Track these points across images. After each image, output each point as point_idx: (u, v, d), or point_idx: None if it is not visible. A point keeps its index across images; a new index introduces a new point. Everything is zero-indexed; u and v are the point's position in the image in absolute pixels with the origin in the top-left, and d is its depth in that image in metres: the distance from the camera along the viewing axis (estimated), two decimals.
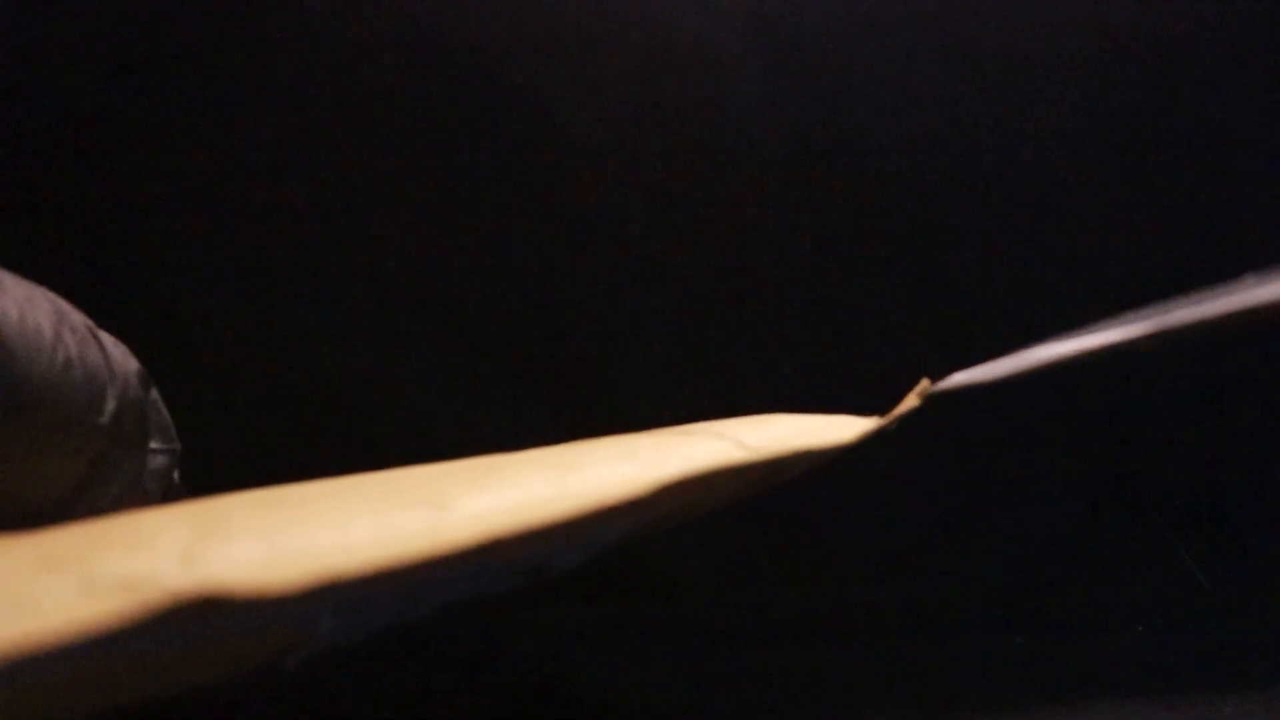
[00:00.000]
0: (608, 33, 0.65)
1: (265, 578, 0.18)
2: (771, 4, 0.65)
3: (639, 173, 0.65)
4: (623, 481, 0.24)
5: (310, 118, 0.64)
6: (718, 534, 0.63)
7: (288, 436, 0.62)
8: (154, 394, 0.41)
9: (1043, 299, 0.66)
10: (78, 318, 0.38)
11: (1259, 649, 0.51)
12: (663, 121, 0.66)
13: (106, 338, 0.40)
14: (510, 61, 0.65)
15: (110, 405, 0.37)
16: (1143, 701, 0.43)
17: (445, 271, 0.65)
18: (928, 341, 0.66)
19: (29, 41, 0.61)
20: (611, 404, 0.64)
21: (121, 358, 0.40)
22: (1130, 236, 0.67)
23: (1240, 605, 0.59)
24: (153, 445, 0.40)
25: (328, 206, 0.64)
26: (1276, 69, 0.67)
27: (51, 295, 0.38)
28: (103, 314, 0.41)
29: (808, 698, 0.46)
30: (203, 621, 0.17)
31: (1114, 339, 0.26)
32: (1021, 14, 0.66)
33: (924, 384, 0.33)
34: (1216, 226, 0.68)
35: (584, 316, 0.66)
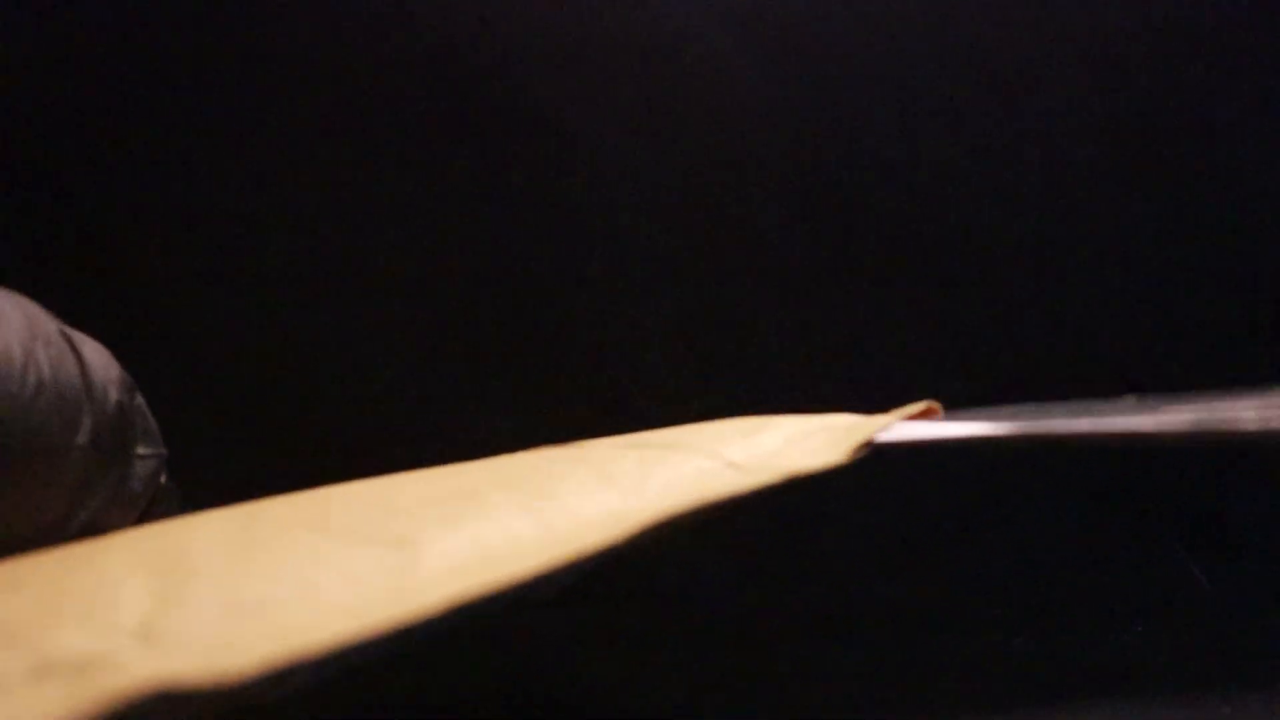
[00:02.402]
0: (608, 34, 0.65)
1: (225, 661, 0.17)
2: (772, 5, 0.65)
3: (639, 173, 0.65)
4: (604, 517, 0.23)
5: (304, 116, 0.64)
6: (717, 534, 0.63)
7: (279, 434, 0.62)
8: (138, 399, 0.40)
9: (1042, 298, 0.66)
10: (52, 326, 0.37)
11: (1259, 649, 0.51)
12: (663, 122, 0.66)
13: (87, 344, 0.39)
14: (510, 62, 0.65)
15: (87, 423, 0.36)
16: (1143, 701, 0.43)
17: (443, 271, 0.65)
18: (927, 342, 0.66)
19: (15, 40, 0.61)
20: (611, 404, 0.64)
21: (102, 365, 0.38)
22: (1130, 236, 0.67)
23: (1240, 605, 0.59)
24: (138, 451, 0.39)
25: (323, 206, 0.64)
26: (1277, 69, 0.67)
27: (24, 302, 0.37)
28: (88, 313, 0.40)
29: (808, 698, 0.46)
30: (158, 710, 0.16)
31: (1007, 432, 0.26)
32: (1022, 15, 0.66)
33: (931, 405, 0.32)
34: (1217, 227, 0.68)
35: (582, 316, 0.66)
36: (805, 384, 0.66)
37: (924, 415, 0.32)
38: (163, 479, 0.41)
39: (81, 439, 0.36)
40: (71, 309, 0.41)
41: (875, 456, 0.31)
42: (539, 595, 0.25)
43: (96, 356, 0.38)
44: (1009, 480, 0.66)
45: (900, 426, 0.29)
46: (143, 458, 0.39)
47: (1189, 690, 0.44)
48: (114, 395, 0.38)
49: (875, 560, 0.65)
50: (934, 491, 0.66)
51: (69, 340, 0.37)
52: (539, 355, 0.65)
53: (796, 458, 0.28)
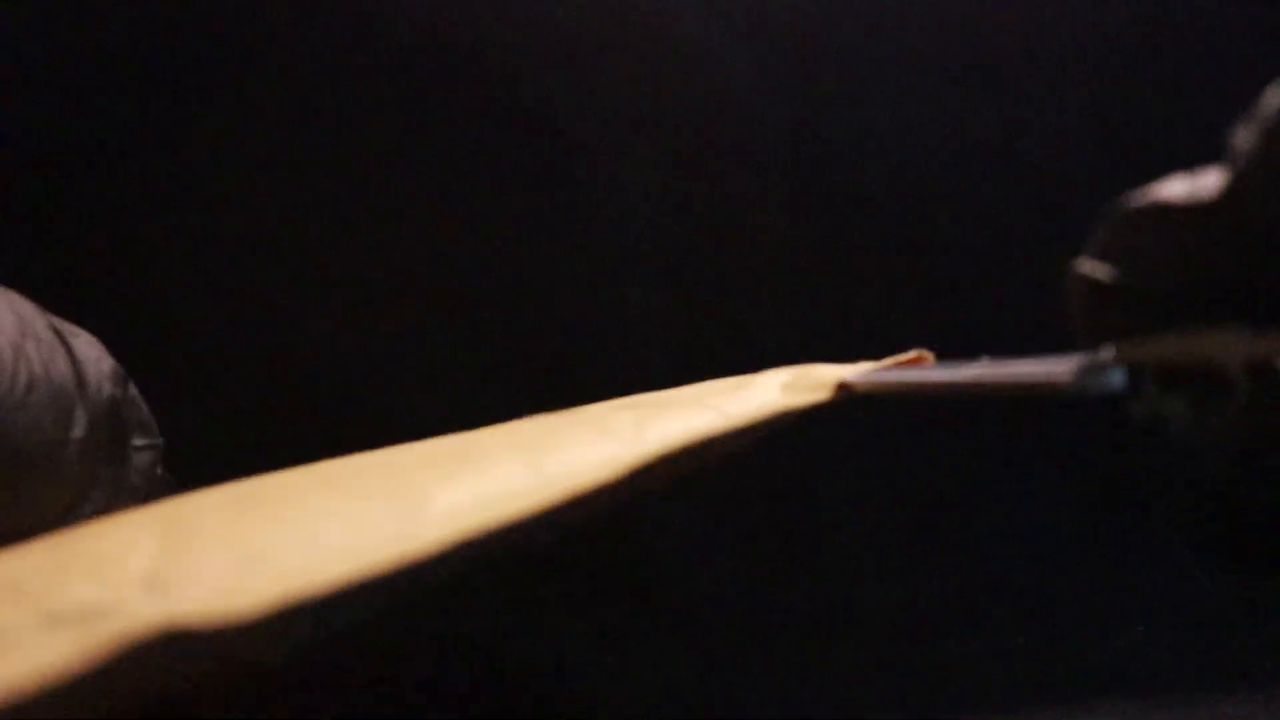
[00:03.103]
0: (609, 34, 0.65)
1: (231, 604, 0.17)
2: (772, 5, 0.65)
3: (639, 173, 0.65)
4: (600, 464, 0.23)
5: (304, 112, 0.64)
6: (717, 534, 0.63)
7: (276, 427, 0.62)
8: (132, 390, 0.40)
9: (1041, 297, 0.66)
10: (41, 322, 0.37)
11: (1259, 649, 0.51)
12: (663, 123, 0.66)
13: (79, 336, 0.39)
14: (510, 61, 0.65)
15: (81, 417, 0.36)
16: (1143, 701, 0.43)
17: (442, 268, 0.65)
18: (925, 339, 0.66)
19: (13, 37, 0.61)
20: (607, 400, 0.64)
21: (94, 358, 0.38)
22: None
23: (1240, 605, 0.58)
24: (135, 443, 0.39)
25: (323, 202, 0.64)
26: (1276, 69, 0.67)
27: (14, 298, 0.37)
28: (87, 306, 0.40)
29: (808, 698, 0.46)
30: (168, 653, 0.17)
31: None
32: (1022, 14, 0.66)
33: (922, 353, 0.33)
34: None
35: (581, 314, 0.66)
36: None
37: (914, 362, 0.33)
38: (159, 470, 0.41)
39: (77, 433, 0.36)
40: (70, 301, 0.41)
41: (869, 412, 0.31)
42: (538, 539, 0.25)
43: (88, 349, 0.38)
44: (1009, 479, 0.66)
45: (867, 374, 0.31)
46: (139, 448, 0.39)
47: (1189, 690, 0.44)
48: (107, 388, 0.38)
49: (875, 560, 0.65)
50: (935, 491, 0.66)
51: (59, 335, 0.37)
52: (536, 353, 0.65)
53: (784, 399, 0.29)
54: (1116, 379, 0.21)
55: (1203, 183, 0.19)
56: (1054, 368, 0.22)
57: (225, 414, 0.61)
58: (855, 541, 0.66)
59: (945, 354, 0.35)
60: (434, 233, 0.65)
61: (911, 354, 0.32)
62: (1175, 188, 0.20)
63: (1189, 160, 0.71)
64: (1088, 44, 0.67)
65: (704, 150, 0.66)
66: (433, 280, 0.65)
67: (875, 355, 0.67)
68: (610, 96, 0.65)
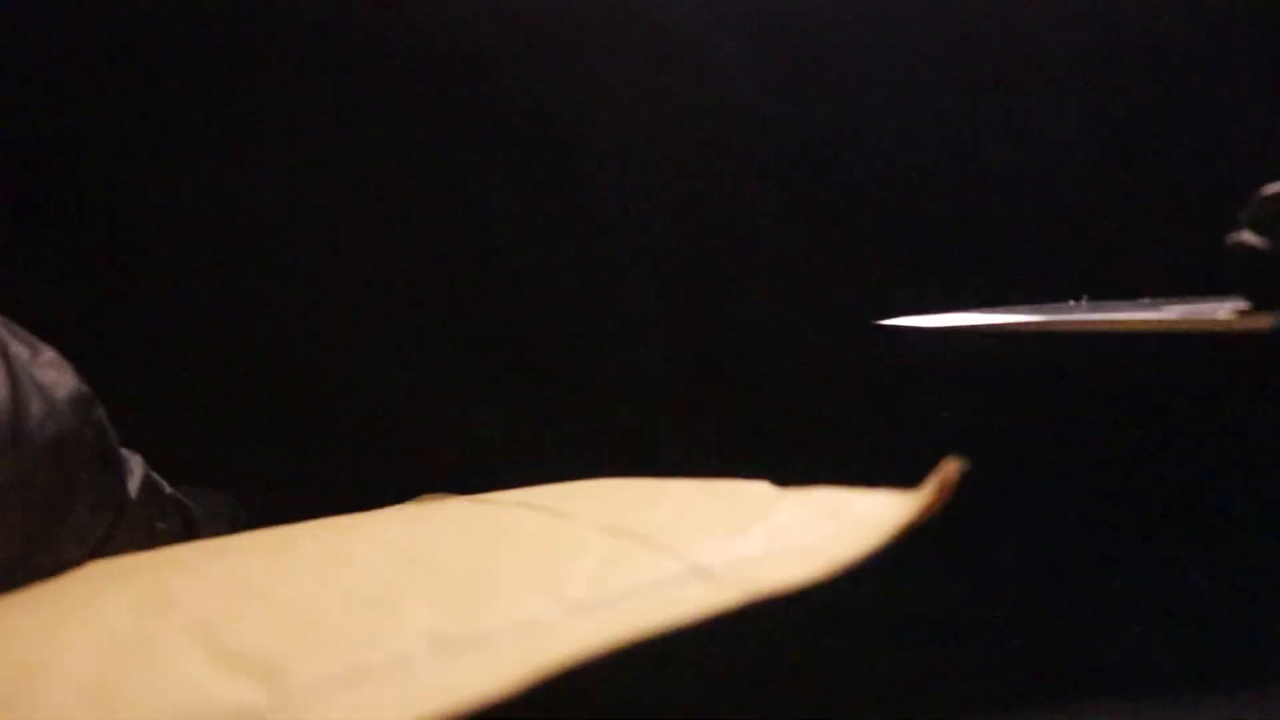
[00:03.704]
0: (609, 34, 0.65)
1: None
2: (773, 5, 0.65)
3: (638, 174, 0.65)
4: (523, 651, 0.20)
5: (301, 111, 0.64)
6: None
7: (276, 418, 0.62)
8: (97, 413, 0.38)
9: (1043, 297, 0.66)
10: None
11: (1259, 649, 0.51)
12: (663, 122, 0.66)
13: (43, 355, 0.37)
14: (509, 61, 0.65)
15: (8, 465, 0.34)
16: (1143, 701, 0.43)
17: (441, 269, 0.65)
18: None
19: None
20: (606, 405, 0.64)
21: (50, 384, 0.36)
22: (1132, 237, 0.67)
23: (1240, 605, 0.58)
24: (84, 476, 0.37)
25: (320, 206, 0.64)
26: (1277, 70, 0.67)
27: None
28: (86, 317, 0.40)
29: (807, 698, 0.46)
30: None
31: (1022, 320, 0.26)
32: (1023, 14, 0.66)
33: (950, 468, 0.25)
34: (1216, 226, 0.68)
35: (580, 316, 0.65)
36: (805, 385, 0.66)
37: (942, 492, 0.26)
38: (131, 492, 0.39)
39: (4, 479, 0.33)
40: (61, 306, 0.40)
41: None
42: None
43: (43, 374, 0.36)
44: (1009, 479, 0.66)
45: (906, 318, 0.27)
46: (101, 476, 0.38)
47: (1189, 690, 0.44)
48: (52, 425, 0.36)
49: (874, 560, 0.65)
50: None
51: (8, 365, 0.35)
52: (534, 354, 0.65)
53: (779, 567, 0.23)
54: None
55: None
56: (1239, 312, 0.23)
57: (221, 415, 0.61)
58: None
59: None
60: (432, 232, 0.65)
61: (938, 482, 0.25)
62: None
63: (1190, 160, 0.71)
64: (1090, 45, 0.67)
65: (705, 150, 0.66)
66: (431, 280, 0.65)
67: (877, 356, 0.67)
68: (610, 96, 0.65)
